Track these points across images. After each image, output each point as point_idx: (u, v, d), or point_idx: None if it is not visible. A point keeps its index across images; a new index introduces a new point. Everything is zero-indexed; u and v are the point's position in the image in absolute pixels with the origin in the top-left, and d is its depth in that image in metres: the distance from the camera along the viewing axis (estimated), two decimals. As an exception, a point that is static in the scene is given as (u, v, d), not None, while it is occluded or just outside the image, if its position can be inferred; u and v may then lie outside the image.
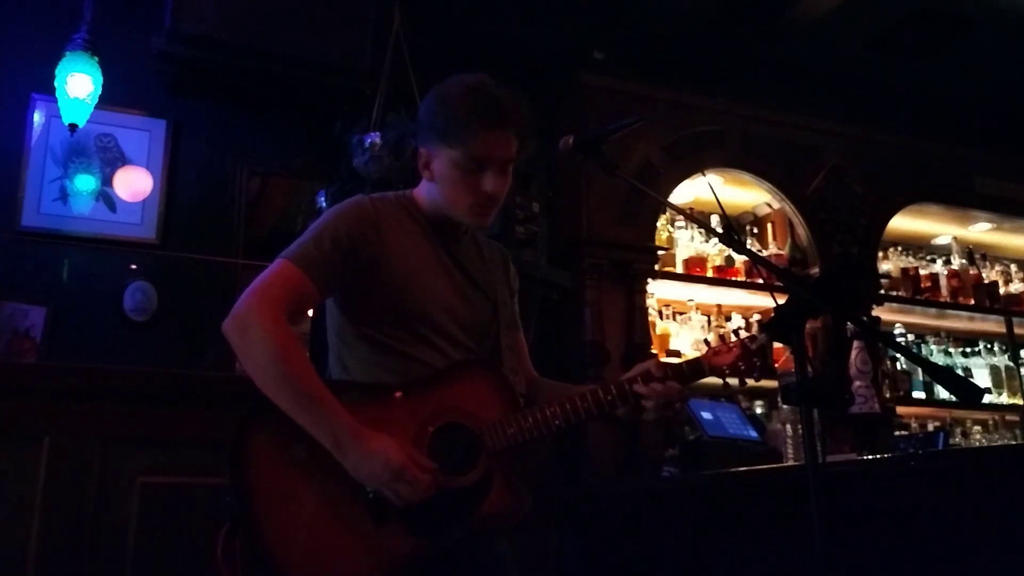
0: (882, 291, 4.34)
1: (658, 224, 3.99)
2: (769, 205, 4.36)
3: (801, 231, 4.21)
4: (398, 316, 1.75)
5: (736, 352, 1.76)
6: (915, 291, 4.54)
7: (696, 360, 1.78)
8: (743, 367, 1.75)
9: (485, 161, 1.73)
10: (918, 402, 4.34)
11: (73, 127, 3.14)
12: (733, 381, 1.77)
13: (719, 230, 1.76)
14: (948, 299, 4.59)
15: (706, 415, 3.33)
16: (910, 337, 4.53)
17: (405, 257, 1.77)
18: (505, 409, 1.72)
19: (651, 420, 1.72)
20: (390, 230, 1.77)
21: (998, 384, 4.61)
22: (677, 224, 4.14)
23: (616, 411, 1.74)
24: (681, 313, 4.09)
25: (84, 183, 3.37)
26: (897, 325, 4.48)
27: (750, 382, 1.77)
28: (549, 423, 1.69)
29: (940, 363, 4.39)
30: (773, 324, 1.62)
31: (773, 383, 3.88)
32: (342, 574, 1.58)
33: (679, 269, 4.06)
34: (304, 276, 1.68)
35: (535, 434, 1.69)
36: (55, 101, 3.15)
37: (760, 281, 4.02)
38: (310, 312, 2.78)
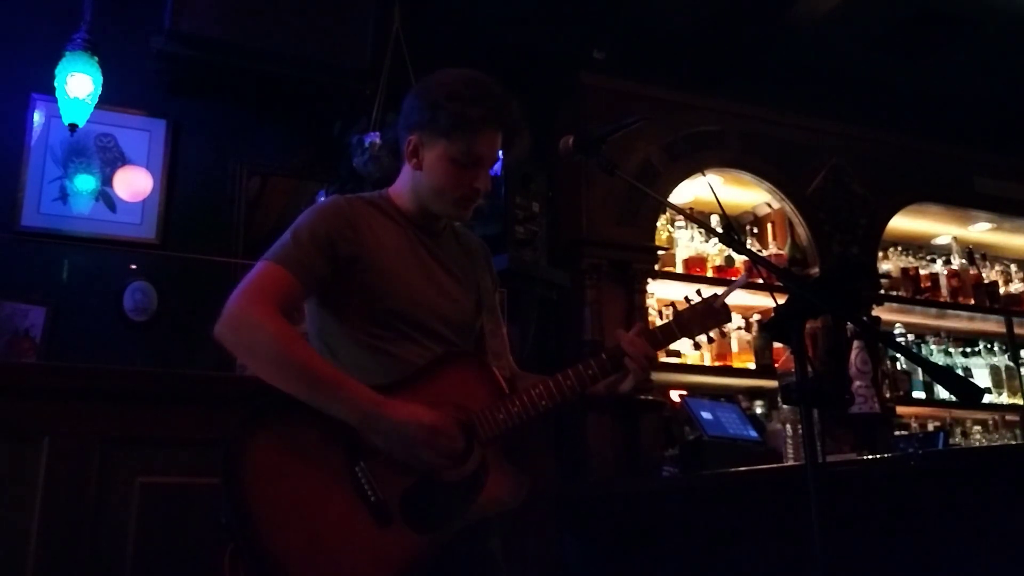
0: (882, 291, 4.34)
1: (658, 224, 3.99)
2: (769, 205, 4.36)
3: (801, 231, 4.21)
4: (381, 315, 1.74)
5: (701, 311, 1.89)
6: (915, 291, 4.54)
7: (667, 325, 1.88)
8: (710, 324, 1.90)
9: (482, 159, 1.78)
10: (918, 402, 4.34)
11: (73, 127, 3.14)
12: (702, 338, 1.92)
13: (719, 230, 1.78)
14: (948, 299, 4.59)
15: (706, 415, 3.33)
16: (910, 337, 4.53)
17: (383, 255, 1.77)
18: (492, 397, 1.74)
19: (626, 389, 1.83)
20: (367, 228, 1.77)
21: (998, 384, 4.61)
22: (677, 224, 4.14)
23: (597, 388, 1.81)
24: (681, 313, 4.08)
25: (84, 183, 3.37)
26: (897, 325, 4.48)
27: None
28: (536, 404, 1.73)
29: (940, 363, 4.39)
30: (773, 324, 1.63)
31: (773, 383, 3.89)
32: None
33: (679, 269, 4.06)
34: (288, 274, 1.68)
35: (524, 417, 1.72)
36: (55, 101, 3.15)
37: (760, 281, 4.01)
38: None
